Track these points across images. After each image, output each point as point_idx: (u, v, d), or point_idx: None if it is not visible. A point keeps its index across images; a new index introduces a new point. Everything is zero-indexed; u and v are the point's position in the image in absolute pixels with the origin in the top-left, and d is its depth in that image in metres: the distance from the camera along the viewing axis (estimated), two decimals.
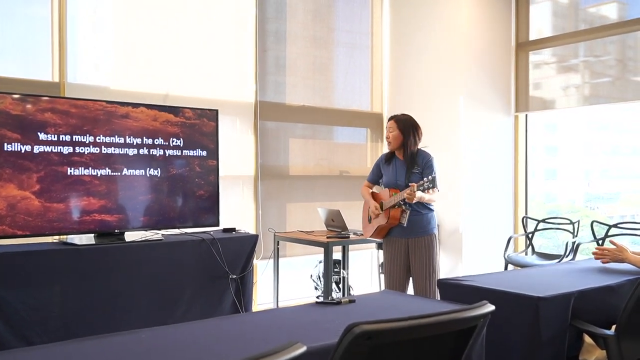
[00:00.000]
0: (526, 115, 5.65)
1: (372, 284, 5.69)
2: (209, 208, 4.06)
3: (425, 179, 3.38)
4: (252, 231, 4.84)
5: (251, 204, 4.98)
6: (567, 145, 5.97)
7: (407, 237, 3.58)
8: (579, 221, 4.98)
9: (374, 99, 5.91)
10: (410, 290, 3.67)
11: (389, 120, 3.67)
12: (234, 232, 4.17)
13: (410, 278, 3.63)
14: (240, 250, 4.02)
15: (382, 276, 4.81)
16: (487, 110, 5.45)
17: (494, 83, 5.49)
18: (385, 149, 5.84)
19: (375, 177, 3.80)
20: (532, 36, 5.58)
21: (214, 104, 4.56)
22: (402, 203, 3.49)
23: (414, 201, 3.39)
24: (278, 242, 4.68)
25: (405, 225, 3.52)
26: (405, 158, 3.62)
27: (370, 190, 3.81)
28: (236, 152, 4.88)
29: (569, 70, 5.40)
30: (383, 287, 5.00)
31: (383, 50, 5.94)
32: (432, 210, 3.64)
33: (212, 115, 4.10)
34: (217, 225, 4.11)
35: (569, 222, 5.04)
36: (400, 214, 3.52)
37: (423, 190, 3.38)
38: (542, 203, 6.01)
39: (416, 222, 3.56)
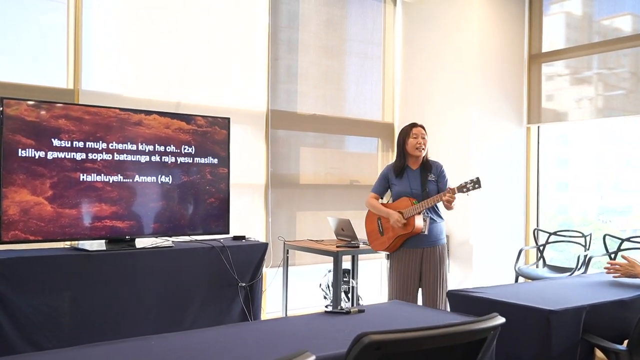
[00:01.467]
0: (538, 127, 5.63)
1: (382, 294, 5.66)
2: (220, 215, 4.07)
3: (469, 179, 3.36)
4: (262, 239, 4.84)
5: (261, 212, 4.99)
6: (579, 158, 5.94)
7: (422, 247, 3.55)
8: (590, 234, 4.95)
9: (385, 108, 5.92)
10: (418, 301, 3.65)
11: (416, 127, 3.64)
12: (243, 240, 4.17)
13: (420, 289, 3.60)
14: (249, 258, 4.01)
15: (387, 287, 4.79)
16: (499, 122, 5.44)
17: (507, 94, 5.48)
18: (390, 159, 5.85)
19: (383, 189, 3.72)
20: (545, 48, 5.58)
21: (225, 112, 4.59)
22: (424, 210, 3.49)
23: (451, 206, 3.40)
24: (287, 250, 4.68)
25: (426, 233, 3.51)
26: (422, 166, 3.61)
27: (380, 202, 3.78)
28: (247, 160, 4.89)
29: (582, 83, 5.38)
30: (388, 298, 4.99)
31: (395, 61, 5.95)
32: (442, 219, 3.63)
33: (223, 123, 4.11)
34: (227, 232, 4.12)
35: (580, 235, 5.01)
36: (423, 222, 3.50)
37: (465, 192, 3.37)
38: (553, 215, 5.97)
39: (432, 231, 3.55)
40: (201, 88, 4.67)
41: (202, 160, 4.01)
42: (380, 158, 5.87)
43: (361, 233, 4.79)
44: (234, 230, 4.36)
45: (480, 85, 5.31)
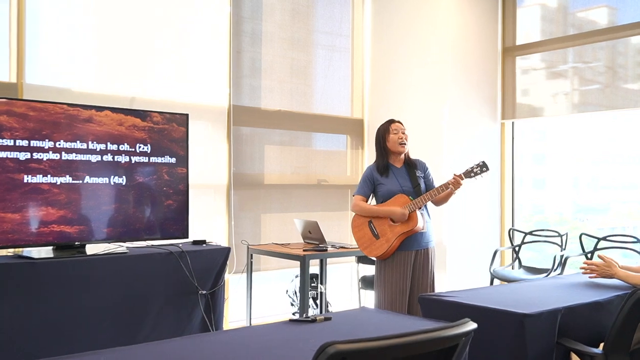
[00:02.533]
0: (513, 122, 5.71)
1: (352, 300, 5.68)
2: (178, 219, 4.03)
3: (473, 164, 3.40)
4: (224, 244, 4.81)
5: (223, 214, 4.95)
6: (555, 154, 6.04)
7: (416, 249, 3.56)
8: (567, 234, 5.04)
9: (354, 104, 5.93)
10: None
11: (395, 123, 3.67)
12: (204, 245, 4.14)
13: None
14: (210, 264, 3.98)
15: (369, 294, 4.79)
16: (473, 117, 5.50)
17: (480, 89, 5.55)
18: (367, 159, 5.87)
19: (368, 191, 3.69)
20: (520, 41, 5.66)
21: (184, 107, 4.54)
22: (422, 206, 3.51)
23: (446, 200, 3.50)
24: (252, 255, 4.66)
25: (425, 230, 3.53)
26: (406, 163, 3.65)
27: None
28: (208, 160, 4.85)
29: (557, 77, 5.48)
30: (364, 305, 4.98)
31: (364, 54, 5.97)
32: (430, 219, 3.67)
33: (182, 120, 4.07)
34: (186, 237, 4.09)
35: (557, 234, 5.10)
36: (422, 219, 3.52)
37: (472, 177, 3.42)
38: (529, 214, 6.07)
39: (427, 231, 3.58)
40: (158, 82, 4.61)
41: (159, 160, 3.97)
42: (349, 156, 5.88)
43: (329, 235, 4.79)
44: (194, 235, 4.32)
45: (453, 80, 5.37)
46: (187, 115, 4.11)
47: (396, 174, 3.63)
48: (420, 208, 3.50)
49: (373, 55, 5.95)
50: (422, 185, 3.61)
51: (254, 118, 5.21)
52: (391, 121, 3.69)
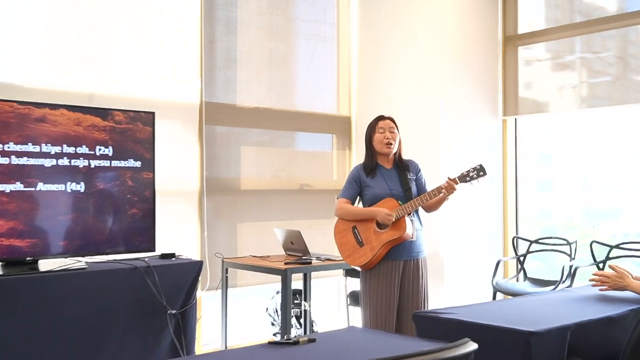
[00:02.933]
0: (515, 119, 5.74)
1: (340, 318, 5.67)
2: (144, 230, 4.01)
3: (470, 167, 3.41)
4: (196, 257, 4.77)
5: (195, 224, 4.92)
6: (562, 153, 6.08)
7: (405, 259, 3.56)
8: (576, 242, 5.07)
9: (340, 100, 5.93)
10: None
11: (383, 119, 3.66)
12: (173, 259, 4.11)
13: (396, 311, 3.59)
14: (181, 280, 3.96)
15: (359, 311, 4.79)
16: (471, 114, 5.53)
17: (479, 82, 5.57)
18: (355, 161, 5.87)
19: (354, 193, 3.70)
20: (522, 29, 5.70)
21: (150, 105, 4.50)
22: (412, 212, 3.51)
23: (438, 206, 3.53)
24: (227, 269, 4.64)
25: (414, 239, 3.52)
26: (396, 164, 3.65)
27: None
28: (177, 163, 4.82)
29: (564, 68, 5.52)
30: (352, 324, 4.98)
31: (351, 44, 5.97)
32: (422, 227, 3.67)
33: (147, 118, 4.04)
34: (153, 250, 4.05)
35: (565, 242, 5.13)
36: (412, 227, 3.52)
37: (468, 181, 3.43)
38: (535, 220, 6.10)
39: (417, 240, 3.58)
40: (120, 76, 4.57)
41: (122, 164, 3.95)
42: (335, 157, 5.88)
43: (314, 246, 4.78)
44: (162, 247, 4.29)
45: (449, 72, 5.39)
46: (153, 113, 4.08)
47: (385, 176, 3.63)
48: (410, 214, 3.50)
49: (361, 45, 5.95)
50: (414, 189, 3.62)
51: (228, 116, 5.18)
52: (379, 118, 3.69)
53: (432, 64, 5.40)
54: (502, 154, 5.72)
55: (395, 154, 3.67)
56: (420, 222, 3.67)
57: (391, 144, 3.61)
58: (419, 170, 3.73)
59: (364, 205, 3.68)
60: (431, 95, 5.39)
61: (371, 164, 3.66)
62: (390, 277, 3.54)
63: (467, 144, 5.47)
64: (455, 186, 3.44)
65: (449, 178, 3.46)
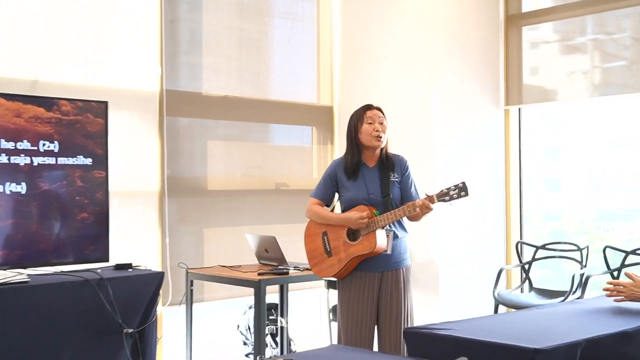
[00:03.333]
0: (519, 109, 5.76)
1: (322, 335, 5.66)
2: (96, 237, 4.00)
3: (451, 185, 3.39)
4: (157, 268, 4.74)
5: (155, 230, 4.90)
6: (573, 147, 6.11)
7: (381, 271, 3.56)
8: (587, 247, 5.10)
9: (321, 87, 5.92)
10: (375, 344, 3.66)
11: (371, 109, 3.63)
12: (130, 270, 4.09)
13: (376, 327, 3.60)
14: (139, 294, 3.95)
15: (335, 327, 4.78)
16: (469, 103, 5.54)
17: (477, 67, 5.58)
18: (337, 154, 5.86)
19: (329, 193, 3.69)
20: (527, 7, 5.72)
21: (102, 93, 4.47)
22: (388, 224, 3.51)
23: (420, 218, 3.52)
24: (192, 281, 4.62)
25: (389, 252, 3.52)
26: (380, 162, 3.63)
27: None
28: (134, 160, 4.80)
29: (574, 52, 5.54)
30: (335, 342, 4.98)
31: (332, 24, 5.96)
32: (407, 232, 3.65)
33: (99, 109, 4.03)
34: (107, 260, 4.04)
35: (575, 248, 5.16)
36: (386, 239, 3.51)
37: (447, 201, 3.41)
38: (541, 224, 6.13)
39: (394, 250, 3.57)
40: (68, 60, 4.53)
41: (70, 161, 3.93)
42: (315, 152, 5.87)
43: (292, 254, 4.76)
44: (117, 257, 4.25)
45: (444, 56, 5.39)
46: (106, 103, 4.07)
47: (366, 176, 3.60)
48: (383, 227, 3.49)
49: (344, 25, 5.94)
50: (396, 194, 3.57)
51: (193, 106, 5.16)
52: (367, 107, 3.66)
53: (425, 46, 5.40)
54: (504, 149, 5.73)
55: (382, 149, 3.65)
56: (404, 228, 3.64)
57: (381, 137, 3.59)
58: (407, 169, 3.66)
59: (342, 207, 3.67)
60: (423, 83, 5.39)
61: (353, 161, 3.62)
62: (365, 291, 3.55)
63: (464, 138, 5.48)
64: (432, 205, 3.42)
65: (426, 194, 3.44)
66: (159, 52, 4.95)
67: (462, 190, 3.37)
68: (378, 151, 3.63)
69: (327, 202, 3.72)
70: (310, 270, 4.37)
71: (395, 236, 3.56)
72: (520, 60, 5.73)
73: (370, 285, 3.55)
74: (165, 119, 4.95)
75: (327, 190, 3.69)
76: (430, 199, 3.40)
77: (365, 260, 3.53)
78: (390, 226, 3.52)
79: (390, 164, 3.63)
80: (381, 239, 3.47)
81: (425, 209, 3.41)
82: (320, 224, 3.66)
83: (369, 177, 3.61)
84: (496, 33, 5.72)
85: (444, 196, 3.39)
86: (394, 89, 5.51)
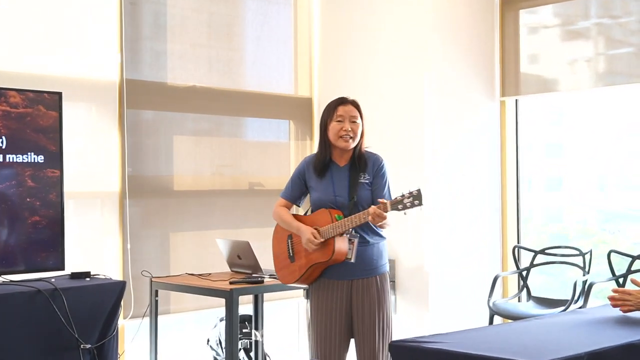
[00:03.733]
0: (516, 100, 5.78)
1: (300, 350, 5.67)
2: (49, 243, 3.99)
3: (405, 193, 3.35)
4: (117, 276, 4.75)
5: (115, 235, 4.89)
6: (575, 143, 6.13)
7: (351, 279, 3.57)
8: (591, 251, 5.12)
9: (299, 77, 5.92)
10: (352, 357, 3.67)
11: (344, 104, 3.60)
12: (88, 279, 4.09)
13: (352, 339, 3.62)
14: (97, 305, 3.94)
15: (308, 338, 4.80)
16: (461, 94, 5.55)
17: (471, 55, 5.60)
18: (308, 150, 5.86)
19: (297, 193, 3.71)
20: None
21: (55, 83, 4.46)
22: (350, 230, 3.49)
23: (383, 225, 3.45)
24: (157, 291, 4.59)
25: (352, 260, 3.51)
26: (352, 162, 3.62)
27: (291, 213, 3.74)
28: (91, 157, 4.79)
29: (576, 37, 5.55)
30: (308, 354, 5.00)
31: (312, 7, 5.97)
32: (383, 237, 3.65)
33: (52, 101, 4.02)
34: (62, 268, 4.03)
35: (577, 252, 5.19)
36: (348, 246, 3.51)
37: (402, 209, 3.37)
38: (541, 226, 6.16)
39: (364, 256, 3.57)
40: (16, 47, 4.50)
41: (20, 158, 3.92)
42: (293, 149, 5.87)
43: (266, 261, 4.75)
44: (73, 265, 4.24)
45: (435, 42, 5.40)
46: (59, 94, 4.06)
47: (335, 176, 3.60)
48: (342, 234, 3.49)
49: (324, 8, 5.95)
50: (365, 196, 3.54)
51: (157, 97, 5.15)
52: (339, 102, 3.61)
53: (414, 32, 5.41)
54: (500, 144, 5.75)
55: (356, 146, 3.63)
56: (379, 233, 3.62)
57: (350, 137, 3.57)
58: (381, 169, 3.62)
59: (311, 209, 3.69)
60: (412, 71, 5.39)
61: (323, 159, 3.62)
62: (334, 299, 3.57)
63: (455, 133, 5.50)
64: (384, 214, 3.38)
65: (379, 201, 3.40)
66: (119, 37, 4.93)
67: (415, 198, 3.30)
68: (348, 150, 3.62)
69: (296, 203, 3.75)
70: None
71: (364, 242, 3.55)
72: (518, 46, 5.74)
73: (339, 295, 3.57)
74: (126, 112, 4.93)
75: (294, 191, 3.71)
76: (383, 206, 3.36)
77: (331, 267, 3.54)
78: (356, 231, 3.51)
79: (362, 164, 3.61)
80: (341, 246, 3.49)
81: (378, 217, 3.35)
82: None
83: (338, 178, 3.60)
84: (491, 17, 5.74)
85: (397, 204, 3.34)
86: (380, 79, 5.52)
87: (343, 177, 3.61)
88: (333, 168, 3.63)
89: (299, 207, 3.81)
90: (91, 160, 4.79)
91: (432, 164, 5.32)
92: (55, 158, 4.01)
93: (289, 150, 5.87)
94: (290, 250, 3.67)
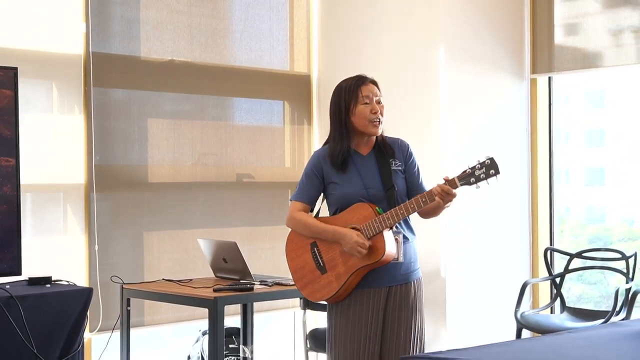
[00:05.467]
0: (550, 78, 5.78)
1: None
2: (3, 243, 4.00)
3: (475, 164, 3.38)
4: (83, 283, 4.76)
5: (80, 234, 4.91)
6: (621, 129, 6.13)
7: (389, 285, 3.58)
8: (636, 254, 5.13)
9: (295, 51, 5.93)
10: None
11: (366, 84, 3.61)
12: (48, 285, 4.10)
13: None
14: (60, 316, 3.95)
15: (319, 356, 4.82)
16: (485, 71, 5.55)
17: (496, 24, 5.61)
18: (317, 139, 5.87)
19: (314, 193, 3.68)
20: None
21: (10, 57, 4.47)
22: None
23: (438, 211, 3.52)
24: (129, 300, 4.61)
25: (401, 260, 3.53)
26: (377, 148, 3.63)
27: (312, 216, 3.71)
28: (52, 144, 4.80)
29: (621, 3, 5.52)
30: None
31: None
32: (415, 235, 3.67)
33: (6, 78, 4.05)
34: (19, 273, 4.05)
35: (620, 256, 5.20)
36: (395, 244, 3.51)
37: (473, 184, 3.41)
38: (579, 226, 6.17)
39: (406, 256, 3.58)
40: None
41: None
42: (288, 134, 5.88)
43: (257, 265, 4.79)
44: (31, 269, 4.26)
45: (453, 11, 5.40)
46: (15, 70, 4.08)
47: (360, 167, 3.60)
48: (391, 227, 3.50)
49: None
50: (401, 186, 3.57)
51: (129, 74, 5.16)
52: (361, 80, 3.61)
53: (430, 1, 5.43)
54: (529, 130, 5.76)
55: (382, 133, 3.65)
56: (412, 229, 3.67)
57: (380, 121, 3.59)
58: (410, 155, 3.66)
59: (330, 209, 3.68)
60: (426, 45, 5.40)
61: (342, 149, 3.60)
62: (369, 311, 3.55)
63: (478, 116, 5.50)
64: (454, 191, 3.41)
65: (445, 179, 3.43)
66: (83, 3, 4.93)
67: (490, 167, 3.35)
68: (373, 137, 3.64)
69: (313, 205, 3.71)
70: (281, 285, 4.42)
71: (405, 240, 3.58)
72: (552, 15, 5.73)
73: (375, 304, 3.55)
74: (93, 91, 4.94)
75: (311, 191, 3.67)
76: (451, 182, 3.39)
77: (370, 272, 3.54)
78: (397, 227, 3.54)
79: (388, 150, 3.64)
80: (390, 243, 3.49)
81: (447, 196, 3.39)
82: (305, 235, 3.66)
83: (365, 168, 3.60)
84: None
85: (468, 177, 3.37)
86: (389, 53, 5.52)
87: (371, 166, 3.60)
88: (356, 158, 3.63)
89: (312, 209, 3.73)
90: (52, 148, 4.80)
91: (450, 153, 5.32)
92: (10, 145, 4.03)
93: (283, 135, 5.88)
94: (320, 260, 3.60)
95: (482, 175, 3.35)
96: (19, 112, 4.06)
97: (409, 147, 3.69)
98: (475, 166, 3.37)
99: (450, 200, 3.43)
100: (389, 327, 3.58)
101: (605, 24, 5.56)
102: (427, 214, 3.60)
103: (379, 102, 3.58)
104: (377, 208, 3.50)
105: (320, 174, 3.65)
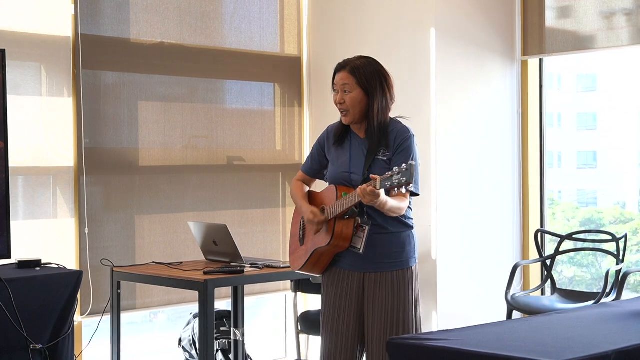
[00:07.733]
0: (541, 60, 5.77)
1: (287, 352, 5.70)
2: None
3: (395, 168, 3.27)
4: (73, 266, 4.75)
5: (70, 217, 4.90)
6: (613, 112, 6.13)
7: (364, 271, 3.58)
8: (626, 236, 5.13)
9: (286, 32, 5.91)
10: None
11: (339, 71, 3.60)
12: (38, 268, 4.10)
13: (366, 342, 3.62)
14: (50, 299, 3.95)
15: (313, 341, 4.82)
16: (476, 52, 5.54)
17: (487, 7, 5.59)
18: (308, 122, 5.86)
19: (316, 166, 3.73)
20: None
21: None
22: (356, 210, 3.47)
23: (375, 204, 3.33)
24: (119, 283, 4.60)
25: (361, 251, 3.50)
26: (369, 134, 3.61)
27: (307, 189, 3.76)
28: (42, 127, 4.78)
29: None
30: (309, 357, 5.03)
31: None
32: (410, 227, 3.63)
33: None
34: (8, 256, 4.04)
35: (611, 238, 5.21)
36: (354, 232, 3.50)
37: (390, 189, 3.30)
38: (570, 209, 6.18)
39: (382, 246, 3.54)
40: None
41: None
42: (279, 117, 5.87)
43: (247, 248, 4.79)
44: (21, 252, 4.27)
45: None
46: (2, 51, 4.06)
47: (353, 150, 3.60)
48: (341, 216, 3.48)
49: None
50: (379, 172, 3.51)
51: (118, 56, 5.15)
52: (336, 68, 3.63)
53: None
54: (519, 112, 5.76)
55: (371, 117, 3.59)
56: (402, 221, 3.59)
57: (345, 112, 3.55)
58: (402, 144, 3.55)
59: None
60: (416, 27, 5.38)
61: (342, 128, 3.65)
62: (345, 293, 3.58)
63: (469, 99, 5.49)
64: (376, 190, 3.25)
65: (372, 177, 3.32)
66: None
67: (403, 175, 3.22)
68: (366, 120, 3.60)
69: (316, 177, 3.77)
70: (271, 268, 4.44)
71: (383, 231, 3.54)
72: None
73: (349, 288, 3.57)
74: (82, 73, 4.93)
75: (313, 163, 3.74)
76: (374, 182, 3.25)
77: (344, 255, 3.54)
78: (369, 218, 3.50)
79: (383, 136, 3.58)
80: (344, 230, 3.47)
81: (368, 196, 3.26)
82: None
83: (356, 151, 3.59)
84: None
85: (385, 181, 3.26)
86: (381, 36, 5.51)
87: (360, 150, 3.60)
88: (353, 139, 3.63)
89: (326, 181, 3.73)
90: (41, 130, 4.79)
91: (440, 136, 5.32)
92: None
93: (274, 118, 5.87)
94: (302, 232, 3.68)
95: (396, 182, 3.22)
96: (6, 94, 4.04)
97: (404, 136, 3.58)
98: (394, 171, 3.23)
99: (371, 202, 3.29)
100: (366, 314, 3.58)
101: (597, 5, 5.52)
102: (387, 213, 3.48)
103: (345, 91, 3.53)
104: (343, 193, 3.47)
105: (323, 149, 3.72)
